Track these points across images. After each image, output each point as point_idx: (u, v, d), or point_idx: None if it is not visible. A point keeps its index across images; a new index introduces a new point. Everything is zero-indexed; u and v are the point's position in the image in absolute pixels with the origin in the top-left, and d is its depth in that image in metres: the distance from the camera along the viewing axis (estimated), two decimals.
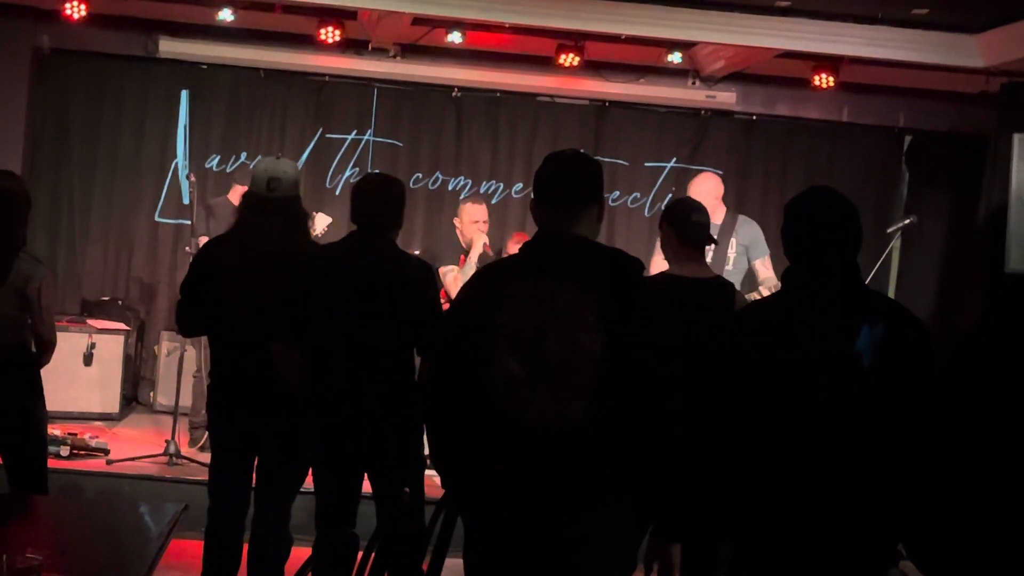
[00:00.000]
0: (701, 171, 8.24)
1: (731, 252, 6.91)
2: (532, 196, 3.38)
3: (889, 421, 2.99)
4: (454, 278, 7.03)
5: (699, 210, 4.70)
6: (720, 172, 9.06)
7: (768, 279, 7.05)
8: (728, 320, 3.32)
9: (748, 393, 3.11)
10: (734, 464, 3.12)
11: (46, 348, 4.86)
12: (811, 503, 3.03)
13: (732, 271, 6.88)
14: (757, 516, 3.11)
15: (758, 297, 6.85)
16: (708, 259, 6.72)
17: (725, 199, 7.18)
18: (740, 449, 3.11)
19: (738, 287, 6.89)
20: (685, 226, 4.60)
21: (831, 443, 3.02)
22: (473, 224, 7.29)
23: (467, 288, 3.41)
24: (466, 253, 7.17)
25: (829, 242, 3.16)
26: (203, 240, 6.95)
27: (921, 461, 2.98)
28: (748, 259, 7.03)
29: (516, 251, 3.44)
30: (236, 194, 7.50)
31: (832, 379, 3.03)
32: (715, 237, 4.69)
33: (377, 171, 8.85)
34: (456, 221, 7.50)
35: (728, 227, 6.92)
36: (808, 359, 3.06)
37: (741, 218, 7.10)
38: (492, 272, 3.46)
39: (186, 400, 7.40)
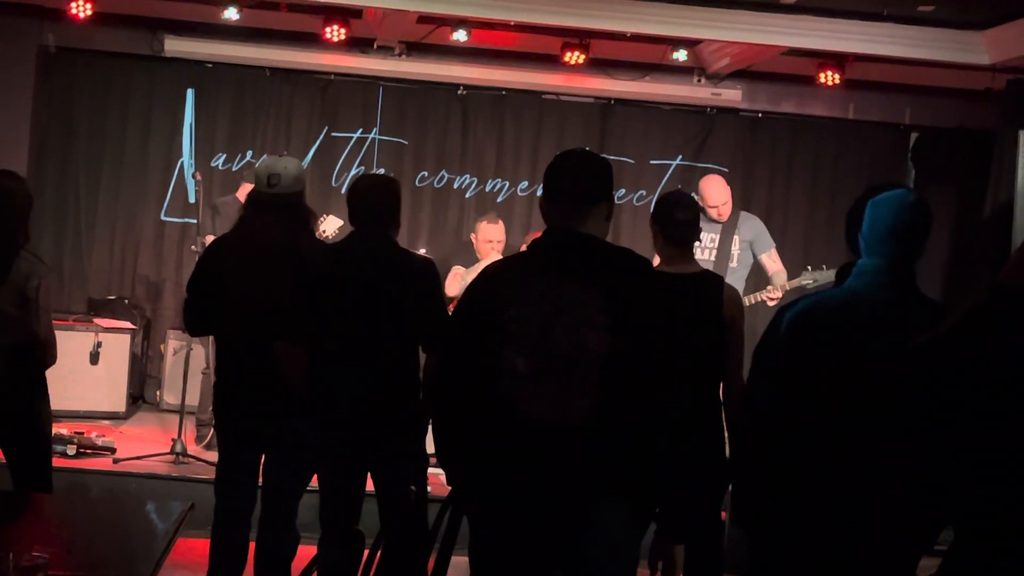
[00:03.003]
0: (707, 170, 8.25)
1: (735, 249, 6.89)
2: (541, 194, 3.38)
3: (934, 412, 3.00)
4: (453, 274, 7.03)
5: (685, 207, 4.62)
6: (725, 170, 9.10)
7: (778, 273, 7.05)
8: (782, 311, 3.32)
9: (803, 386, 3.12)
10: (779, 455, 3.13)
11: (44, 348, 4.86)
12: (860, 493, 3.05)
13: (737, 267, 6.87)
14: (802, 505, 3.12)
15: (768, 295, 6.85)
16: (711, 256, 6.73)
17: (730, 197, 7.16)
18: (788, 441, 3.13)
19: (744, 283, 6.91)
20: (668, 225, 4.59)
21: (878, 435, 3.03)
22: (487, 244, 7.32)
23: (475, 284, 3.41)
24: None
25: (908, 244, 3.19)
26: (209, 239, 6.95)
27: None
28: (753, 254, 7.04)
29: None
30: (244, 192, 7.49)
31: (887, 374, 3.04)
32: (699, 234, 4.67)
33: (380, 171, 8.91)
34: (472, 237, 7.52)
35: (731, 225, 6.91)
36: (864, 354, 3.08)
37: (743, 214, 7.10)
38: (500, 268, 3.47)
39: (193, 399, 7.41)
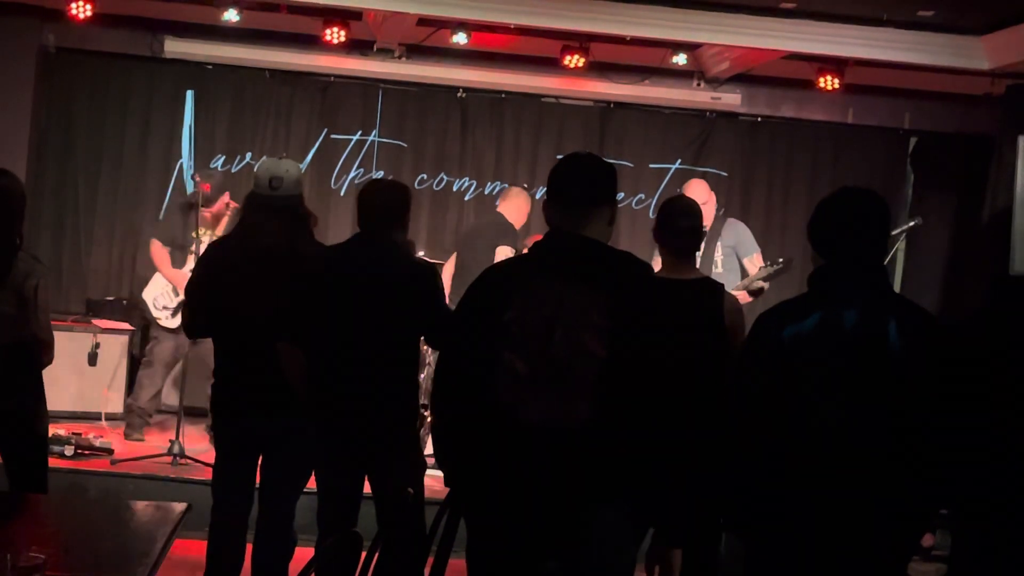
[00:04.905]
0: (706, 174, 8.25)
1: (718, 255, 6.94)
2: (545, 196, 3.39)
3: (915, 416, 2.99)
4: None
5: (685, 214, 4.61)
6: (724, 173, 9.11)
7: (753, 276, 7.04)
8: (758, 321, 3.32)
9: (780, 391, 3.11)
10: (762, 460, 3.13)
11: (42, 348, 4.85)
12: (843, 497, 3.05)
13: (723, 272, 6.87)
14: (786, 510, 3.11)
15: (740, 292, 6.84)
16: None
17: (729, 201, 7.18)
18: (769, 445, 3.12)
19: (732, 288, 6.88)
20: (668, 233, 4.58)
21: (858, 439, 3.02)
22: None
23: (476, 285, 3.41)
24: None
25: (863, 243, 3.17)
26: (155, 243, 6.97)
27: (939, 455, 2.98)
28: (738, 258, 7.05)
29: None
30: None
31: (862, 379, 3.04)
32: (701, 240, 4.66)
33: (388, 176, 8.90)
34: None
35: (714, 231, 6.95)
36: (838, 359, 3.07)
37: (729, 221, 7.13)
38: (502, 270, 3.47)
39: (192, 401, 7.39)
